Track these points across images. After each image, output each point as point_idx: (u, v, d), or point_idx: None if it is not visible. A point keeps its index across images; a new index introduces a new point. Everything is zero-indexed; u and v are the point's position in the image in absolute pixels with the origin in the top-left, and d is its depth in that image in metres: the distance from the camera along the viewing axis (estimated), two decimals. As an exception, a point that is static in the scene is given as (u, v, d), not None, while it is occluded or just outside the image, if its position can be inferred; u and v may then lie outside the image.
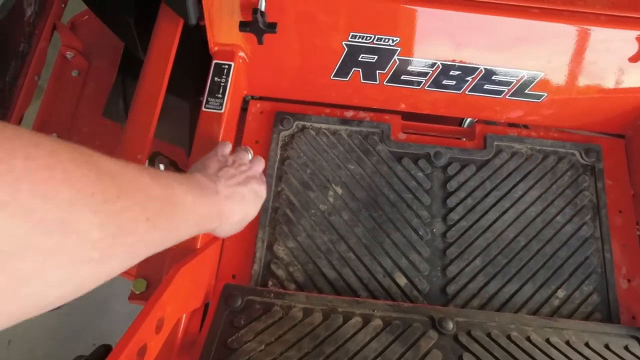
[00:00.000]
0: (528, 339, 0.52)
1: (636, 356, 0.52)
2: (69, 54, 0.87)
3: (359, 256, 0.58)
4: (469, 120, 0.85)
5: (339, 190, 0.62)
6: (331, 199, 0.62)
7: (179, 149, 0.86)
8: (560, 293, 0.59)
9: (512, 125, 0.77)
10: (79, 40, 0.87)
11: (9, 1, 0.55)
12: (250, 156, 0.55)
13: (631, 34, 0.58)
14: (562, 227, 0.62)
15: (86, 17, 0.94)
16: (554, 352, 0.50)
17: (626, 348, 0.52)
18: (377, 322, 0.51)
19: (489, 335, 0.51)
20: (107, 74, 0.88)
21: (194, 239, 0.51)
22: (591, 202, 0.64)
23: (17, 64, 0.64)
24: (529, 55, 0.61)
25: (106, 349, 0.33)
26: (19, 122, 0.72)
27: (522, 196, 0.64)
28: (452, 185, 0.64)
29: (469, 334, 0.51)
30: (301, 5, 0.57)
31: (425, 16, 0.57)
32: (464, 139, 0.69)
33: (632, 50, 0.59)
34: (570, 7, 0.57)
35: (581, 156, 0.67)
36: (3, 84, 0.65)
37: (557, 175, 0.65)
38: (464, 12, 0.56)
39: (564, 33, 0.58)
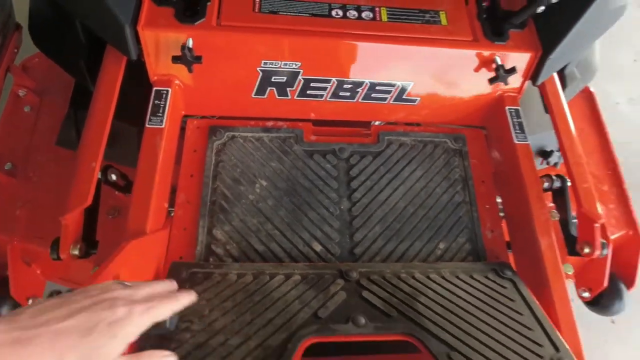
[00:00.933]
0: (413, 277, 0.68)
1: (492, 280, 0.69)
2: (21, 92, 0.97)
3: (282, 232, 0.73)
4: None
5: (264, 183, 0.77)
6: (258, 190, 0.76)
7: (130, 168, 0.98)
8: (442, 245, 0.76)
9: (409, 124, 0.97)
10: (30, 79, 0.98)
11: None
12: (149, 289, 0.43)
13: (469, 52, 0.80)
14: (440, 196, 0.81)
15: (36, 59, 1.05)
16: (431, 284, 0.67)
17: (486, 276, 0.70)
18: (297, 277, 0.65)
19: (383, 277, 0.67)
20: (59, 108, 0.99)
21: (142, 223, 0.63)
22: (461, 177, 0.84)
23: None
24: (399, 70, 0.81)
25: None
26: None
27: (408, 176, 0.82)
28: (354, 172, 0.81)
29: (368, 278, 0.67)
30: (220, 42, 0.74)
31: (313, 45, 0.76)
32: (370, 136, 0.87)
33: (473, 64, 0.81)
34: (422, 35, 0.79)
35: (451, 143, 0.87)
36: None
37: (435, 158, 0.85)
38: (339, 40, 0.75)
39: (420, 54, 0.79)
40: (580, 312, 0.74)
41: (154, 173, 0.70)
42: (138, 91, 0.80)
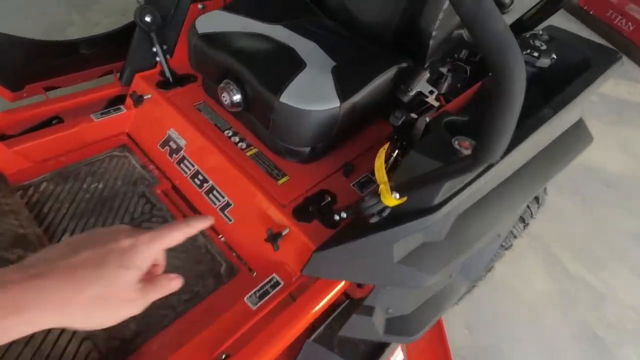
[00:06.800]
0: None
1: None
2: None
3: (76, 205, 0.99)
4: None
5: (101, 185, 1.07)
6: (94, 185, 1.07)
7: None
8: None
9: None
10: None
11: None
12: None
13: (273, 209, 0.96)
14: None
15: None
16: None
17: None
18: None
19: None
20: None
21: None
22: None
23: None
24: (230, 188, 1.03)
25: None
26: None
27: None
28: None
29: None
30: (162, 105, 1.16)
31: (196, 138, 1.08)
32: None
33: (271, 217, 0.96)
34: (258, 177, 1.01)
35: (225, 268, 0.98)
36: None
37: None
38: (211, 146, 1.06)
39: (245, 186, 1.00)
40: None
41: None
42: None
